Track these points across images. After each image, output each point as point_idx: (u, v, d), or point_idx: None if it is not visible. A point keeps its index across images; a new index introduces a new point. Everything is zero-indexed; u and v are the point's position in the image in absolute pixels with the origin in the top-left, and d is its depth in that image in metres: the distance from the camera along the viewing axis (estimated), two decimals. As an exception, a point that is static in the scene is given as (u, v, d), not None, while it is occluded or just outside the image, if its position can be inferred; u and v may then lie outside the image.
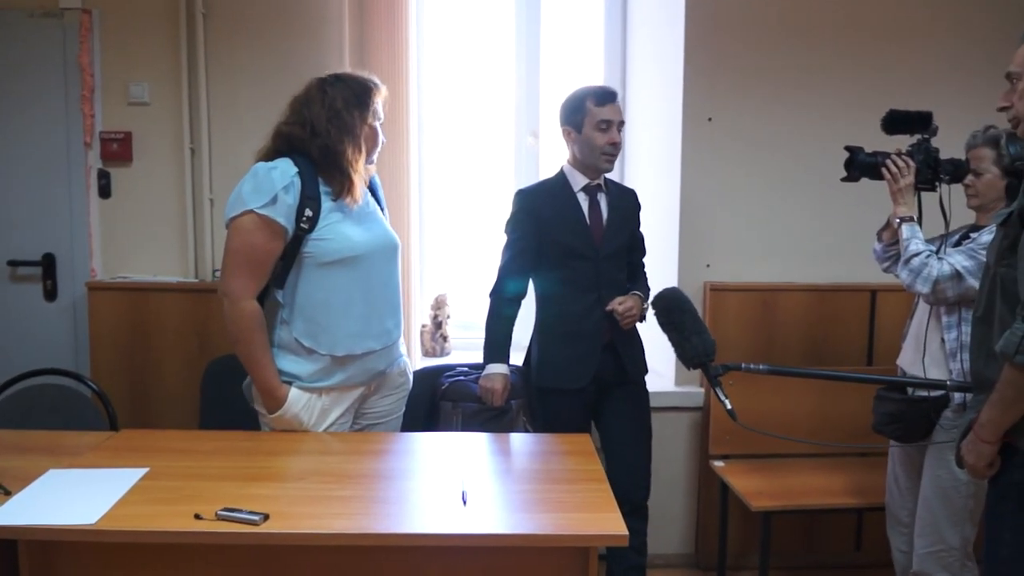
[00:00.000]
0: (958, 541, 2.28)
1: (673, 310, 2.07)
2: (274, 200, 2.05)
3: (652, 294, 2.66)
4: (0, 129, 3.08)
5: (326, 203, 2.13)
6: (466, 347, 3.57)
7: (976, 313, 1.83)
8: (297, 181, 2.08)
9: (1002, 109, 1.86)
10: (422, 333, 3.54)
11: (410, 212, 3.22)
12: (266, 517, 1.64)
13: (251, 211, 2.05)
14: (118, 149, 3.07)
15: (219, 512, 1.65)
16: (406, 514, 1.72)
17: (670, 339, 2.08)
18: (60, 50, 3.03)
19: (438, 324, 3.58)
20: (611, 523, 1.66)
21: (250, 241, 2.07)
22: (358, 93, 2.16)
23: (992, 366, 1.70)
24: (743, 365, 2.02)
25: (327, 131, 2.12)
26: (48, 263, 3.12)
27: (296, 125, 2.14)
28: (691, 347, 2.02)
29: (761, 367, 2.02)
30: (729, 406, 1.95)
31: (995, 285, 1.73)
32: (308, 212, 2.09)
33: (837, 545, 3.21)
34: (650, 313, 2.61)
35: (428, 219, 3.62)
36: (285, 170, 2.08)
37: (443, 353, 3.58)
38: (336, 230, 2.13)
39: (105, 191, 3.11)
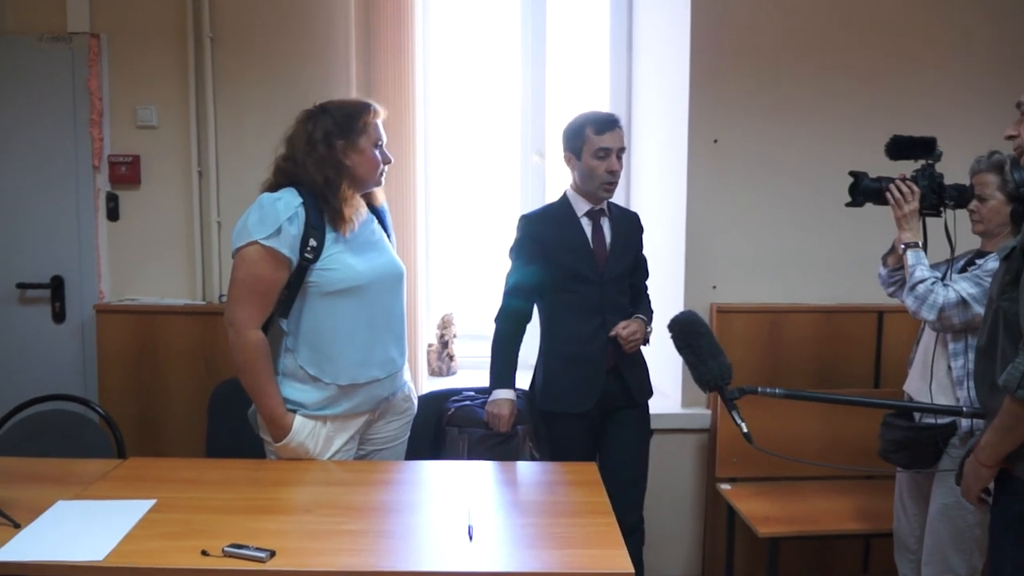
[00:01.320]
0: (965, 569, 2.27)
1: (690, 333, 2.05)
2: (278, 231, 2.07)
3: (660, 316, 2.67)
4: (9, 152, 3.10)
5: (330, 233, 2.14)
6: (473, 365, 3.58)
7: (979, 344, 1.84)
8: (301, 212, 2.10)
9: (1009, 138, 1.87)
10: (428, 352, 3.55)
11: (416, 230, 3.23)
12: (272, 554, 1.64)
13: (256, 242, 2.07)
14: (126, 172, 3.09)
15: (226, 548, 1.65)
16: (412, 549, 1.73)
17: (686, 361, 2.07)
18: (69, 74, 3.06)
19: (444, 343, 3.59)
20: (617, 560, 1.66)
21: (255, 272, 2.09)
22: (340, 122, 2.16)
23: (996, 397, 1.72)
24: (759, 389, 2.01)
25: (304, 164, 2.13)
26: (56, 285, 3.14)
27: (287, 159, 2.17)
28: (707, 370, 2.00)
29: (777, 391, 2.01)
30: (745, 429, 1.94)
31: (997, 318, 1.74)
32: (312, 242, 2.10)
33: (844, 567, 3.20)
34: (661, 336, 2.62)
35: (434, 238, 3.64)
36: (289, 201, 2.10)
37: (449, 372, 3.59)
38: (340, 260, 2.14)
39: (113, 214, 3.13)
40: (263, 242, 2.06)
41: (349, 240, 2.17)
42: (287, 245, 2.08)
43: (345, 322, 2.16)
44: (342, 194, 2.14)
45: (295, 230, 2.08)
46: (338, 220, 2.13)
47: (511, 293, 2.57)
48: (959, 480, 1.85)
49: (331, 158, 2.14)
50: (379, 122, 2.23)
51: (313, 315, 2.16)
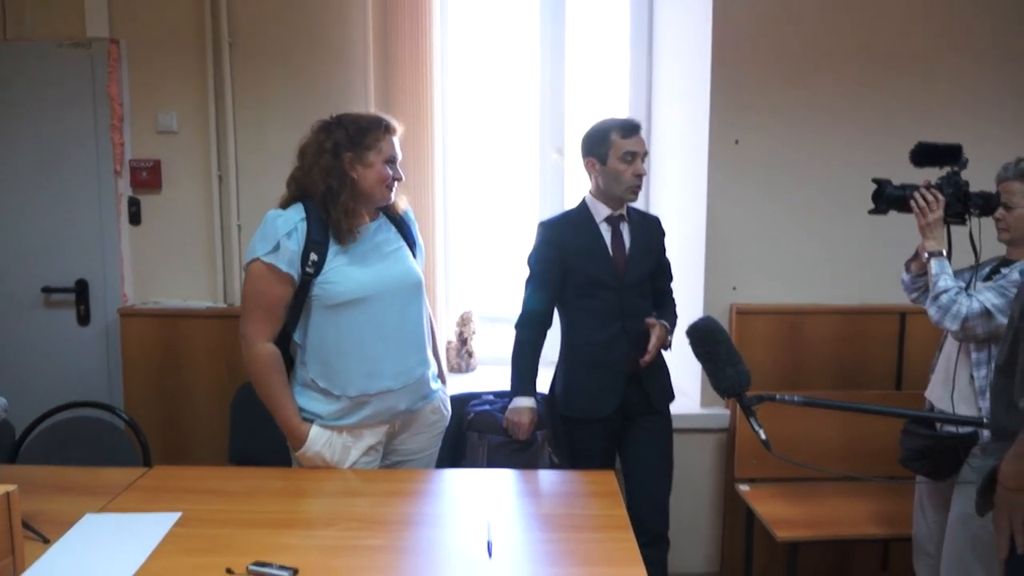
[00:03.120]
0: (986, 578, 2.26)
1: (708, 340, 2.02)
2: (277, 247, 2.10)
3: (680, 317, 2.66)
4: (32, 158, 3.14)
5: (334, 246, 2.15)
6: (492, 361, 3.59)
7: (998, 362, 1.82)
8: (302, 227, 2.11)
9: None
10: (447, 350, 3.57)
11: (435, 229, 3.25)
12: (295, 572, 1.67)
13: (258, 259, 2.11)
14: (147, 177, 3.12)
15: (250, 567, 1.67)
16: (432, 566, 1.74)
17: (705, 369, 2.05)
18: (89, 80, 3.08)
19: (463, 341, 3.60)
20: (635, 579, 1.67)
21: (258, 287, 2.13)
22: (352, 134, 2.16)
23: (1013, 416, 1.70)
24: (777, 396, 2.00)
25: (310, 171, 2.15)
26: (81, 289, 3.19)
27: (299, 168, 2.19)
28: (726, 378, 1.98)
29: (795, 398, 1.99)
30: (764, 436, 1.92)
31: (1018, 339, 1.72)
32: (313, 257, 2.12)
33: (863, 568, 3.20)
34: (680, 337, 2.61)
35: (453, 236, 3.64)
36: (289, 217, 2.12)
37: (469, 369, 3.61)
38: (342, 272, 2.15)
39: (135, 218, 3.16)
40: (263, 258, 2.10)
41: (355, 252, 2.18)
42: (285, 261, 2.10)
43: (351, 334, 2.17)
44: (342, 205, 2.14)
45: (294, 245, 2.10)
46: (337, 231, 2.15)
47: (530, 301, 2.58)
48: (981, 510, 1.83)
49: (336, 168, 2.14)
50: (395, 139, 2.22)
51: (319, 328, 2.18)
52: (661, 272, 2.71)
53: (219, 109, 3.08)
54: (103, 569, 1.68)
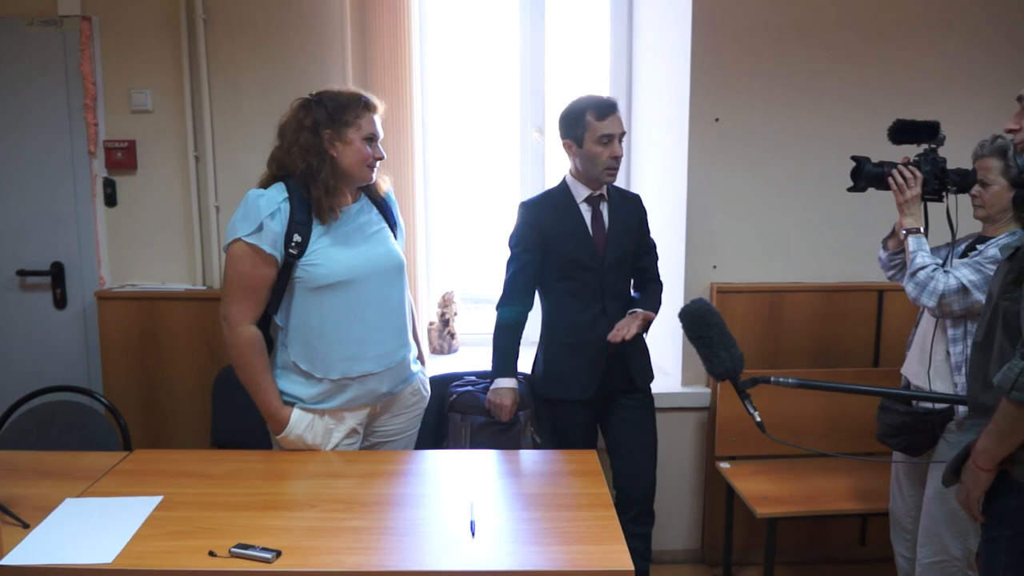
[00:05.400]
0: (960, 552, 2.31)
1: (701, 324, 2.01)
2: (260, 228, 2.07)
3: (664, 301, 2.67)
4: (3, 138, 3.08)
5: (317, 227, 2.13)
6: (474, 343, 3.59)
7: (976, 339, 1.84)
8: (285, 207, 2.09)
9: (1010, 131, 1.86)
10: (429, 331, 3.56)
11: (415, 210, 3.23)
12: (278, 554, 1.67)
13: (240, 239, 2.08)
14: (122, 157, 3.07)
15: (232, 549, 1.68)
16: (415, 547, 1.75)
17: (698, 353, 2.04)
18: (61, 58, 3.02)
19: (445, 322, 3.60)
20: (617, 557, 1.68)
21: (241, 269, 2.10)
22: (332, 112, 2.14)
23: (988, 393, 1.72)
24: (772, 379, 2.00)
25: (290, 150, 2.13)
26: (57, 272, 3.14)
27: (279, 148, 2.17)
28: (719, 362, 1.98)
29: (790, 381, 2.00)
30: (758, 419, 1.94)
31: (996, 315, 1.74)
32: (297, 238, 2.10)
33: (842, 541, 3.25)
34: (662, 314, 2.62)
35: (434, 216, 3.62)
36: (272, 197, 2.10)
37: (451, 351, 3.60)
38: (325, 255, 2.13)
39: (111, 199, 3.12)
40: (246, 239, 2.07)
41: (338, 233, 2.16)
42: (268, 242, 2.08)
43: (334, 317, 2.16)
44: (322, 183, 2.11)
45: (277, 226, 2.08)
46: (319, 209, 2.12)
47: (511, 282, 2.57)
48: (947, 482, 1.86)
49: (316, 146, 2.12)
50: (376, 117, 2.19)
51: (302, 311, 2.16)
52: (645, 252, 2.70)
53: (194, 87, 3.03)
54: (84, 553, 1.68)
